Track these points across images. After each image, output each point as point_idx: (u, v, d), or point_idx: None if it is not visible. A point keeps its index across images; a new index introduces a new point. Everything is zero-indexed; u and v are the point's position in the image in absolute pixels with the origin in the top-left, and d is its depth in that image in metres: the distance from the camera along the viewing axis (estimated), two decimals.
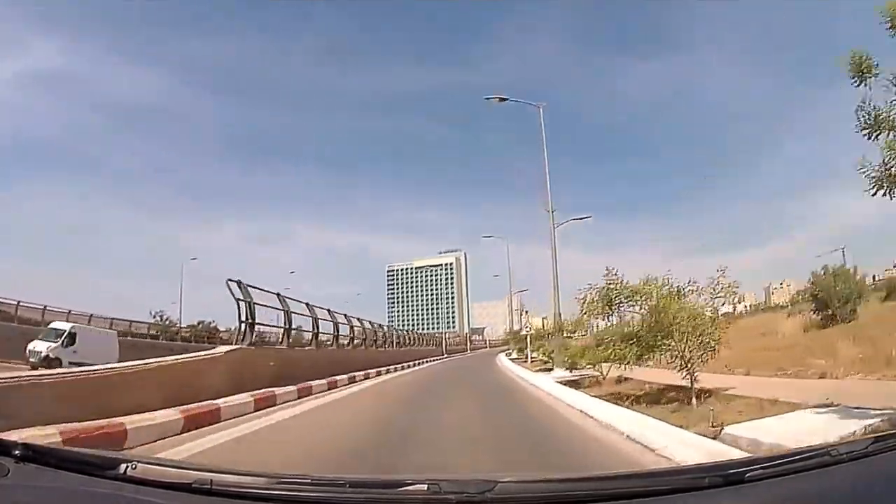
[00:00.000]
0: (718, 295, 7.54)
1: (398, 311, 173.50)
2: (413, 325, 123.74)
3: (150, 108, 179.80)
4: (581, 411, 7.68)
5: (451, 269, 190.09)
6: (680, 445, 4.54)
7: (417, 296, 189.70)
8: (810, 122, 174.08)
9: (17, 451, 1.39)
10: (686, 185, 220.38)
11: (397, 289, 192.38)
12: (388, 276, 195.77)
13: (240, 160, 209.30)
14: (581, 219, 19.40)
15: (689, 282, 7.73)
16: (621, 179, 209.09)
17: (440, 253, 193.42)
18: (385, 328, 31.94)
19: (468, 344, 76.51)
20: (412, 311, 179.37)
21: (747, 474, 1.39)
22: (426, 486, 1.31)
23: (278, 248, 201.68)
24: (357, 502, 1.34)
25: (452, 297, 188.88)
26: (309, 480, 1.40)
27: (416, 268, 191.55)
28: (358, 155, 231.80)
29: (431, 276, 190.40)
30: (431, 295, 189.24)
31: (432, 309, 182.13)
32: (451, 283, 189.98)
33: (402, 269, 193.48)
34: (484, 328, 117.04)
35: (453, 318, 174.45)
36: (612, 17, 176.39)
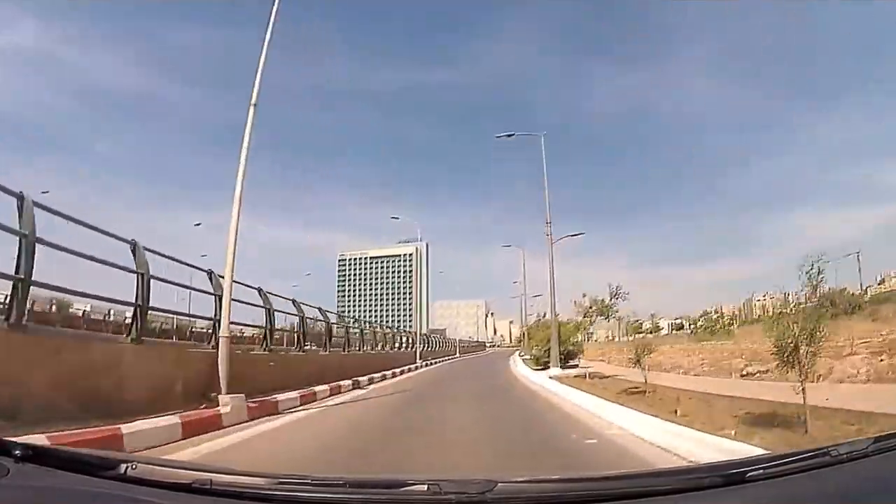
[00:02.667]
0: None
1: (348, 305, 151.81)
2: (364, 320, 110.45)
3: (111, 92, 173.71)
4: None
5: (410, 260, 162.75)
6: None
7: (371, 289, 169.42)
8: (784, 139, 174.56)
9: (17, 451, 1.39)
10: (655, 194, 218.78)
11: (348, 280, 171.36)
12: (339, 265, 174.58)
13: (202, 149, 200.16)
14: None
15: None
16: (592, 184, 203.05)
17: (399, 242, 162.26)
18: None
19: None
20: (364, 305, 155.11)
21: (747, 474, 1.40)
22: (426, 486, 1.31)
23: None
24: (357, 502, 1.34)
25: (409, 292, 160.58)
26: (309, 481, 1.40)
27: (370, 258, 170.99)
28: (319, 149, 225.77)
29: (388, 267, 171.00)
30: (386, 288, 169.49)
31: (387, 304, 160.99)
32: (409, 277, 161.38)
33: (354, 259, 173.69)
34: (444, 329, 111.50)
35: (409, 315, 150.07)
36: (585, 23, 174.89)
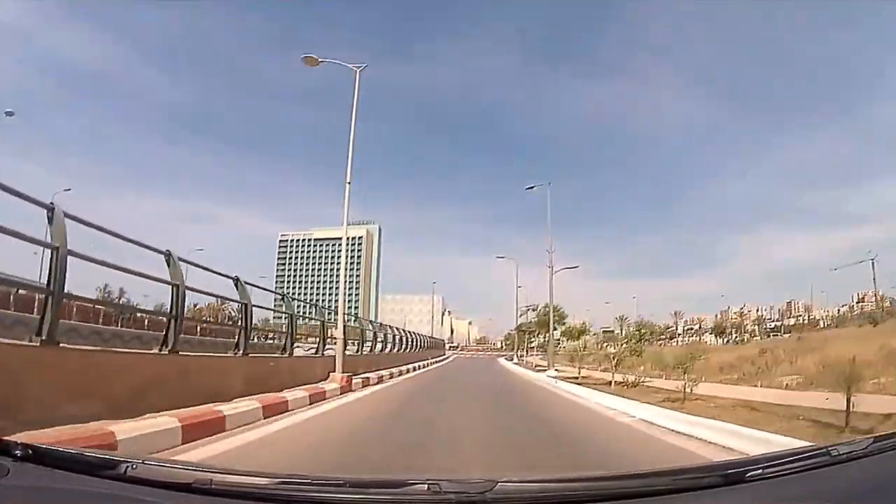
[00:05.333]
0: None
1: (288, 291, 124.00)
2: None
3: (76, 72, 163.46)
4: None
5: (360, 243, 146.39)
6: None
7: (313, 274, 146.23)
8: (752, 159, 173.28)
9: (17, 451, 1.39)
10: (622, 207, 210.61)
11: (289, 264, 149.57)
12: (279, 246, 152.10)
13: (169, 137, 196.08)
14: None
15: None
16: (559, 195, 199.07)
17: (349, 224, 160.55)
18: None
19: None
20: (306, 292, 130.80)
21: (747, 474, 1.40)
22: (426, 486, 1.31)
23: (201, 229, 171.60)
24: (357, 502, 1.34)
25: (357, 278, 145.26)
26: (309, 480, 1.40)
27: (314, 239, 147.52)
28: (284, 142, 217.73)
29: (335, 251, 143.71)
30: (331, 274, 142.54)
31: (331, 291, 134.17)
32: (359, 262, 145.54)
33: (296, 240, 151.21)
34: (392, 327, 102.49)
35: (356, 305, 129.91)
36: (551, 35, 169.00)
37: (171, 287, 6.58)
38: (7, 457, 1.37)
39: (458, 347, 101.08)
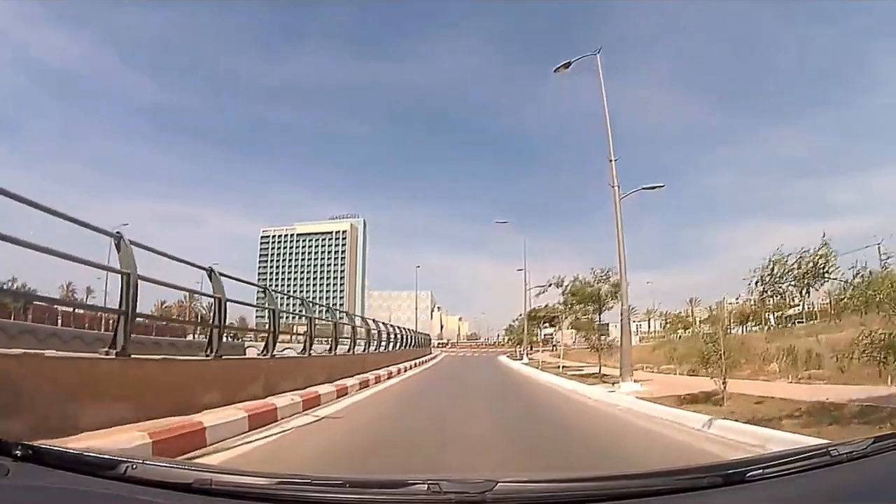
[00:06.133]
0: None
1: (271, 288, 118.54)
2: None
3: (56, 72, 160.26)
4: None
5: (344, 238, 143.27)
6: None
7: (298, 270, 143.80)
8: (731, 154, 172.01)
9: (17, 451, 1.39)
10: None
11: (271, 260, 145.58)
12: (261, 242, 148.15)
13: (151, 138, 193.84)
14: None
15: None
16: (543, 188, 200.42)
17: (332, 218, 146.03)
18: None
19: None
20: (291, 289, 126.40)
21: (747, 474, 1.40)
22: (426, 486, 1.31)
23: (185, 230, 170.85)
24: (357, 502, 1.34)
25: (342, 274, 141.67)
26: (309, 480, 1.40)
27: (297, 234, 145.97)
28: (266, 142, 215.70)
29: (318, 246, 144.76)
30: (316, 269, 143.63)
31: (316, 288, 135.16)
32: (343, 257, 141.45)
33: (279, 236, 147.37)
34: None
35: (342, 301, 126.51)
36: (530, 29, 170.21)
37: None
38: (7, 457, 1.37)
39: (447, 344, 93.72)
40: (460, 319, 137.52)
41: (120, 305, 5.48)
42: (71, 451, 1.53)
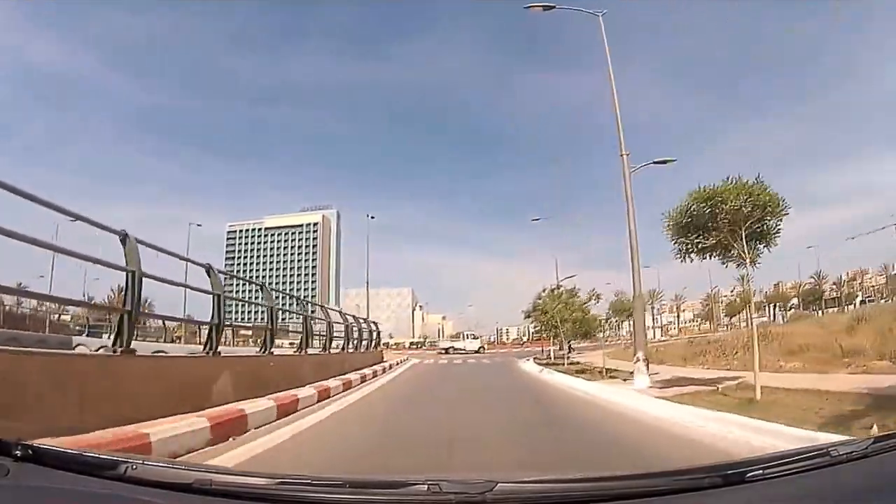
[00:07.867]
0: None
1: (235, 285, 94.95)
2: None
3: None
4: None
5: (316, 231, 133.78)
6: None
7: (266, 266, 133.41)
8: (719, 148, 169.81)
9: (17, 451, 1.39)
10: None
11: (238, 256, 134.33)
12: (227, 238, 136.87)
13: (139, 142, 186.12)
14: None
15: None
16: (517, 184, 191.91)
17: (302, 210, 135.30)
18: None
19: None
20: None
21: (747, 474, 1.40)
22: (426, 486, 1.31)
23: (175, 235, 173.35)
24: (357, 502, 1.34)
25: (314, 271, 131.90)
26: (308, 481, 1.40)
27: (265, 228, 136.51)
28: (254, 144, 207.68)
29: (288, 240, 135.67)
30: (286, 265, 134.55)
31: (286, 283, 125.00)
32: (314, 252, 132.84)
33: (246, 230, 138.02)
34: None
35: (314, 297, 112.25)
36: (517, 29, 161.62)
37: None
38: (7, 457, 1.37)
39: (422, 346, 69.89)
40: (444, 318, 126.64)
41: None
42: (71, 451, 1.54)
